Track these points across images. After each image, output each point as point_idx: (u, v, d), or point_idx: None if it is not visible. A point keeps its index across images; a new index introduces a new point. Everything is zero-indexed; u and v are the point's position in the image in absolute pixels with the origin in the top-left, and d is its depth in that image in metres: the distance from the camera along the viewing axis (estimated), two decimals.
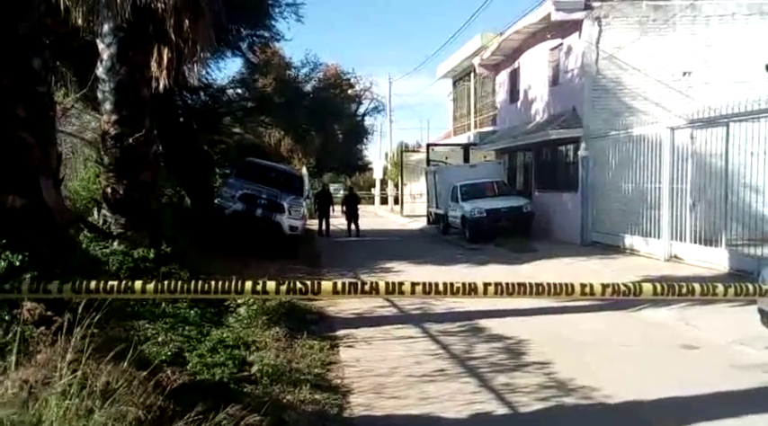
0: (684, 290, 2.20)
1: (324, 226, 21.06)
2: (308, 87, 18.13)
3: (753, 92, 11.12)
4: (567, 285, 2.17)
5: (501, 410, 4.84)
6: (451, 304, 8.94)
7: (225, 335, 5.84)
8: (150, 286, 2.29)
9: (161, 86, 7.75)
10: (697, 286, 2.21)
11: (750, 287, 2.26)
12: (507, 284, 2.19)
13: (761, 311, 6.08)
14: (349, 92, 27.95)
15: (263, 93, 16.32)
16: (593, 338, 7.03)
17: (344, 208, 21.60)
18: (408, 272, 11.91)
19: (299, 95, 16.38)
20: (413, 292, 2.26)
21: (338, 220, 23.24)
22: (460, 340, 6.95)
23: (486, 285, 2.19)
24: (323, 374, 5.55)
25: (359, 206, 22.20)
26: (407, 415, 4.72)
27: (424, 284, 2.27)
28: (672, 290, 2.20)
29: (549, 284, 2.18)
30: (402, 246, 18.02)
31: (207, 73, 15.69)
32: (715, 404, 4.86)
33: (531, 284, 2.17)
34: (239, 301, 6.59)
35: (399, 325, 7.63)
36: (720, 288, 2.16)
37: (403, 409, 4.82)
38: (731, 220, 10.86)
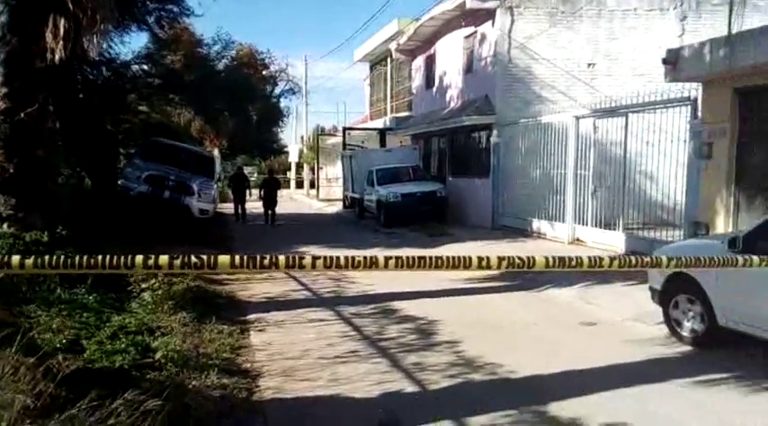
0: (574, 263, 2.28)
1: (240, 211, 19.80)
2: (221, 66, 17.49)
3: (651, 84, 11.79)
4: (464, 258, 2.19)
5: (410, 388, 4.91)
6: (365, 287, 9.00)
7: (127, 321, 5.56)
8: (29, 261, 2.11)
9: (56, 58, 7.22)
10: (585, 258, 2.30)
11: (633, 259, 2.40)
12: (407, 258, 2.19)
13: (651, 289, 6.48)
14: (264, 73, 27.29)
15: (170, 69, 15.57)
16: (500, 317, 7.27)
17: (262, 192, 19.48)
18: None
19: (209, 74, 15.76)
20: (313, 266, 2.21)
21: (253, 204, 22.59)
22: (373, 321, 7.00)
23: (386, 259, 2.18)
24: (232, 358, 5.42)
25: (278, 191, 20.45)
26: (317, 396, 4.70)
27: (325, 258, 2.22)
28: (562, 263, 2.27)
29: (447, 257, 2.19)
30: (317, 231, 17.90)
31: (110, 47, 14.83)
32: (609, 376, 5.15)
33: (430, 257, 2.18)
34: (143, 286, 6.30)
35: (312, 309, 7.58)
36: (606, 260, 2.27)
37: (314, 390, 4.80)
38: (628, 206, 11.53)
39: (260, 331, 6.52)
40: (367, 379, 5.04)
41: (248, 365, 5.36)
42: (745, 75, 8.32)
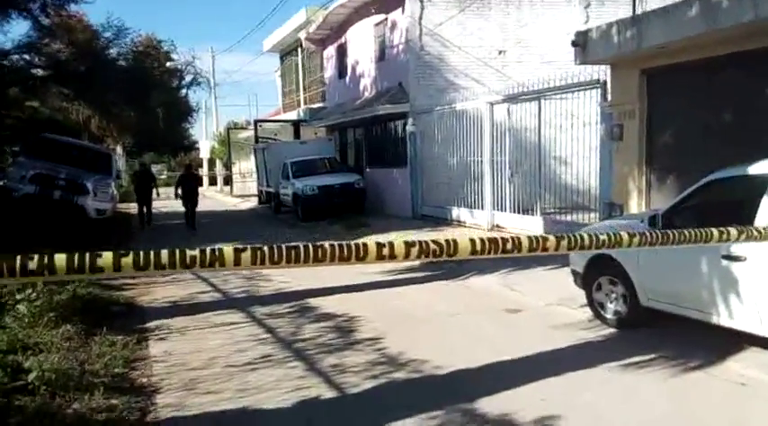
0: (510, 246, 1.90)
1: (144, 213, 16.93)
2: (115, 54, 16.16)
3: (560, 71, 11.86)
4: (358, 246, 1.78)
5: (328, 393, 4.47)
6: (280, 284, 8.47)
7: None
8: None
9: None
10: (525, 239, 1.93)
11: (584, 237, 2.07)
12: (329, 249, 1.76)
13: (574, 272, 6.35)
14: (168, 65, 25.80)
15: (57, 60, 14.18)
16: (423, 310, 6.95)
17: (179, 190, 16.35)
18: None
19: (100, 63, 14.46)
20: (236, 262, 1.76)
21: (163, 203, 21.14)
22: (288, 322, 6.49)
23: (313, 248, 1.78)
24: (125, 374, 4.78)
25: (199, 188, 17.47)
26: (223, 410, 4.16)
27: (249, 251, 1.77)
28: (495, 246, 1.88)
29: (331, 245, 1.77)
30: (230, 228, 17.04)
31: None
32: (537, 365, 4.92)
33: (308, 248, 1.76)
34: (18, 296, 5.49)
35: (221, 311, 6.98)
36: (552, 239, 1.92)
37: (218, 404, 4.26)
38: (544, 190, 11.57)
39: (160, 339, 5.87)
40: (280, 387, 4.55)
41: (144, 380, 4.74)
42: (651, 55, 8.40)
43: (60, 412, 3.73)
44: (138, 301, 7.57)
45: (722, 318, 4.80)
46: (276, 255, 1.71)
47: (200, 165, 36.68)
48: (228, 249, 1.75)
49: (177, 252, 1.84)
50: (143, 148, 33.92)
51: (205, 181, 38.05)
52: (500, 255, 1.87)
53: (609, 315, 5.86)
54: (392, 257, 1.80)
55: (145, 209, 16.98)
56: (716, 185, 5.17)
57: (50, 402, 3.85)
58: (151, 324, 6.40)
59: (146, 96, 18.54)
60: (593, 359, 4.95)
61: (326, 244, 1.75)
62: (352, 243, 1.78)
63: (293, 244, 1.81)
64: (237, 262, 1.72)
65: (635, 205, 8.90)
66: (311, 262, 1.75)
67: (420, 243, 1.82)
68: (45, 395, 3.93)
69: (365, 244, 1.76)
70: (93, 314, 6.17)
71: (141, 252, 1.84)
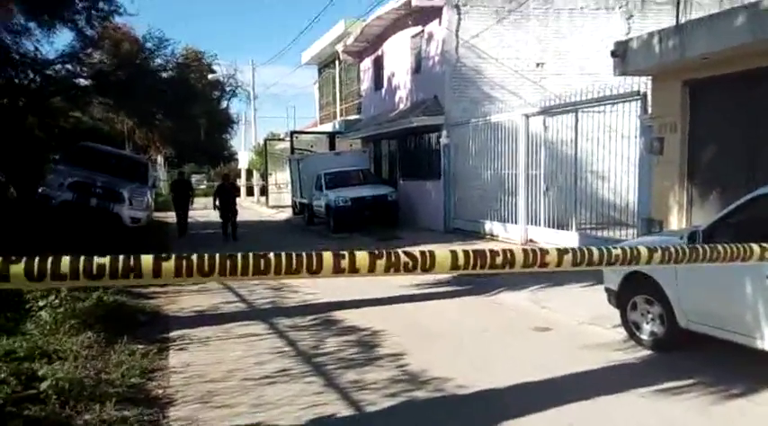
0: (500, 261, 1.64)
1: (182, 222, 16.90)
2: (157, 65, 16.48)
3: (599, 83, 11.53)
4: (311, 257, 1.58)
5: (345, 411, 4.31)
6: (306, 296, 8.38)
7: (17, 345, 4.79)
8: None
9: None
10: (519, 253, 1.68)
11: (580, 251, 1.78)
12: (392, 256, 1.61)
13: (608, 290, 6.07)
14: (209, 77, 26.29)
15: (99, 70, 14.54)
16: (449, 325, 6.75)
17: (217, 201, 16.04)
18: None
19: (143, 73, 14.76)
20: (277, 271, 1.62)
21: (199, 212, 21.34)
22: (311, 334, 6.37)
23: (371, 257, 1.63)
24: (141, 384, 4.71)
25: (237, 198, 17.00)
26: None
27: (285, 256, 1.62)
28: (481, 261, 1.63)
29: (277, 256, 1.58)
30: (264, 238, 17.10)
31: (36, 48, 13.83)
32: (566, 387, 4.67)
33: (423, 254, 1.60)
34: (41, 303, 5.51)
35: (245, 322, 6.90)
36: (553, 253, 1.67)
37: (232, 419, 4.15)
38: (580, 205, 11.23)
39: (181, 349, 5.81)
40: (296, 403, 4.42)
41: (160, 391, 4.67)
42: (694, 66, 8.07)
43: (70, 423, 3.67)
44: (164, 310, 7.57)
45: (766, 343, 4.47)
46: (207, 266, 1.57)
47: (239, 176, 37.18)
48: (148, 258, 1.61)
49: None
50: (184, 158, 34.59)
51: (243, 191, 38.59)
52: (488, 271, 1.67)
53: (644, 336, 5.56)
54: (353, 271, 1.63)
55: (181, 219, 16.93)
56: (762, 201, 4.86)
57: (60, 411, 3.80)
58: (174, 334, 6.37)
59: (187, 107, 18.88)
60: (625, 382, 4.67)
61: (272, 255, 1.60)
62: (304, 254, 1.61)
63: (237, 253, 1.64)
64: (158, 274, 1.58)
65: (675, 221, 8.52)
66: (250, 275, 1.59)
67: (389, 254, 1.64)
68: (56, 405, 3.88)
69: (319, 255, 1.60)
70: (117, 322, 6.16)
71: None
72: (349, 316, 7.11)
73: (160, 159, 36.09)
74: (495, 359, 5.44)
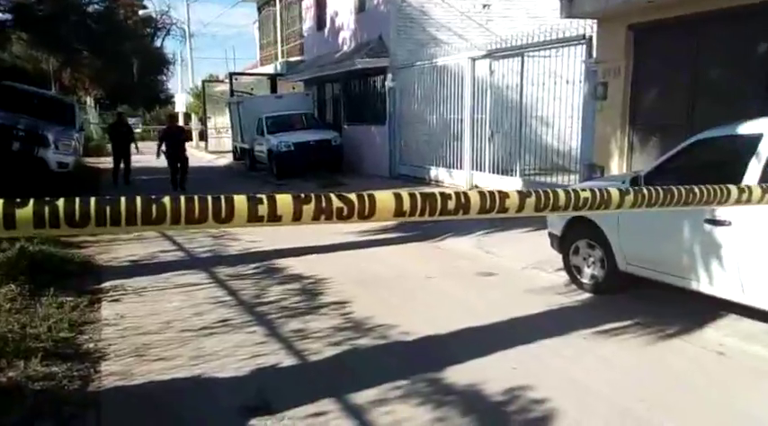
0: (453, 205, 1.44)
1: (121, 169, 15.27)
2: (84, 0, 15.19)
3: (545, 26, 11.38)
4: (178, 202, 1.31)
5: (288, 361, 4.20)
6: (248, 244, 8.16)
7: None
8: None
9: None
10: (475, 196, 1.49)
11: (545, 194, 1.62)
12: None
13: (551, 235, 6.12)
14: (140, 13, 24.72)
15: (18, 2, 13.27)
16: (394, 272, 6.69)
17: (163, 146, 14.52)
18: None
19: (66, 7, 13.56)
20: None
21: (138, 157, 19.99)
22: (253, 283, 6.19)
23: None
24: (71, 338, 4.45)
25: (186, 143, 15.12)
26: (173, 379, 3.88)
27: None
28: (431, 206, 1.43)
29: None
30: (202, 185, 16.49)
31: None
32: (510, 332, 4.71)
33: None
34: None
35: (183, 272, 6.64)
36: (514, 197, 1.49)
37: (169, 372, 3.97)
38: (524, 151, 11.27)
39: (114, 301, 5.54)
40: (237, 354, 4.28)
41: (91, 345, 4.43)
42: (639, 10, 8.02)
43: None
44: (97, 260, 7.20)
45: (702, 285, 4.60)
46: (79, 214, 1.34)
47: (176, 119, 35.59)
48: None
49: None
50: (116, 101, 32.77)
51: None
52: (440, 218, 1.50)
53: (585, 280, 5.65)
54: (273, 219, 1.33)
55: (120, 166, 15.44)
56: (701, 146, 4.91)
57: None
58: (107, 285, 6.06)
59: (116, 44, 17.66)
60: (567, 325, 4.75)
61: (166, 200, 1.34)
62: (209, 198, 1.37)
63: (121, 198, 1.40)
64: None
65: (616, 167, 8.65)
66: (139, 224, 1.34)
67: (318, 199, 1.42)
68: None
69: (230, 200, 1.34)
70: (44, 273, 5.80)
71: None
72: (292, 264, 6.96)
73: (90, 101, 34.16)
74: (439, 305, 5.42)
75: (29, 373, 3.74)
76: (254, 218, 1.33)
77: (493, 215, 1.52)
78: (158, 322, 4.94)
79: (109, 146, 17.36)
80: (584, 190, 1.57)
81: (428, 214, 1.45)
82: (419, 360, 4.15)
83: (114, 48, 17.07)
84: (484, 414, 3.39)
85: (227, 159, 23.77)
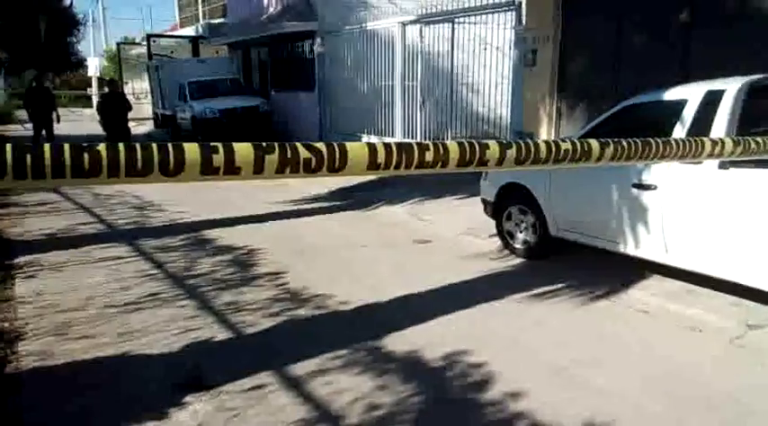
0: (430, 157, 1.35)
1: (43, 140, 12.61)
2: None
3: None
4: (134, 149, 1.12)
5: (222, 334, 4.06)
6: (174, 215, 7.83)
7: None
8: None
9: None
10: (454, 147, 1.41)
11: (525, 145, 1.57)
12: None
13: (484, 201, 6.17)
14: None
15: None
16: (329, 241, 6.59)
17: (102, 117, 13.67)
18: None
19: None
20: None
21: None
22: (182, 255, 5.94)
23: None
24: None
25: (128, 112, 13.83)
26: (98, 357, 3.66)
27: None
28: (407, 157, 1.31)
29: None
30: None
31: None
32: (446, 298, 4.73)
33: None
34: None
35: (105, 245, 6.29)
36: (494, 147, 1.41)
37: (93, 351, 3.75)
38: (455, 119, 11.32)
39: (29, 277, 5.17)
40: (168, 329, 4.09)
41: (6, 324, 4.12)
42: None
43: None
44: (7, 233, 6.71)
45: (629, 247, 4.77)
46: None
47: (89, 85, 33.62)
48: None
49: None
50: (21, 64, 30.42)
51: (94, 102, 35.14)
52: (416, 171, 1.40)
53: (518, 245, 5.76)
54: (231, 172, 1.18)
55: (44, 134, 13.81)
56: (628, 112, 5.04)
57: None
58: (20, 260, 5.65)
59: (20, 1, 16.29)
60: (503, 290, 4.82)
61: (101, 147, 1.13)
62: (154, 146, 1.19)
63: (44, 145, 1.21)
64: None
65: (544, 133, 8.83)
66: (49, 178, 1.11)
67: (283, 148, 1.26)
68: None
69: (179, 148, 1.16)
70: None
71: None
72: (223, 235, 6.73)
73: None
74: (376, 274, 5.39)
75: None
76: (208, 170, 1.15)
77: (472, 168, 1.44)
78: (79, 298, 4.65)
79: (20, 113, 16.09)
80: (564, 141, 1.52)
81: (404, 167, 1.33)
82: (358, 329, 4.10)
83: (15, 5, 15.72)
84: (424, 380, 3.39)
85: (147, 126, 22.69)
